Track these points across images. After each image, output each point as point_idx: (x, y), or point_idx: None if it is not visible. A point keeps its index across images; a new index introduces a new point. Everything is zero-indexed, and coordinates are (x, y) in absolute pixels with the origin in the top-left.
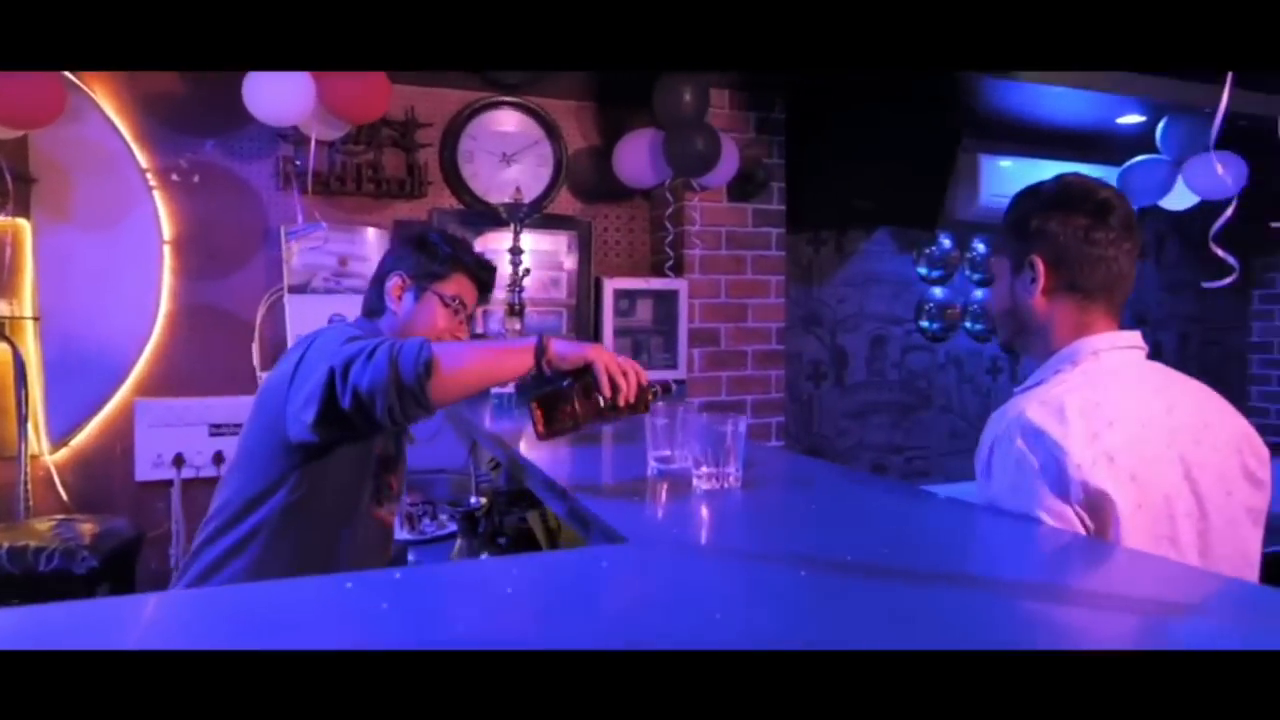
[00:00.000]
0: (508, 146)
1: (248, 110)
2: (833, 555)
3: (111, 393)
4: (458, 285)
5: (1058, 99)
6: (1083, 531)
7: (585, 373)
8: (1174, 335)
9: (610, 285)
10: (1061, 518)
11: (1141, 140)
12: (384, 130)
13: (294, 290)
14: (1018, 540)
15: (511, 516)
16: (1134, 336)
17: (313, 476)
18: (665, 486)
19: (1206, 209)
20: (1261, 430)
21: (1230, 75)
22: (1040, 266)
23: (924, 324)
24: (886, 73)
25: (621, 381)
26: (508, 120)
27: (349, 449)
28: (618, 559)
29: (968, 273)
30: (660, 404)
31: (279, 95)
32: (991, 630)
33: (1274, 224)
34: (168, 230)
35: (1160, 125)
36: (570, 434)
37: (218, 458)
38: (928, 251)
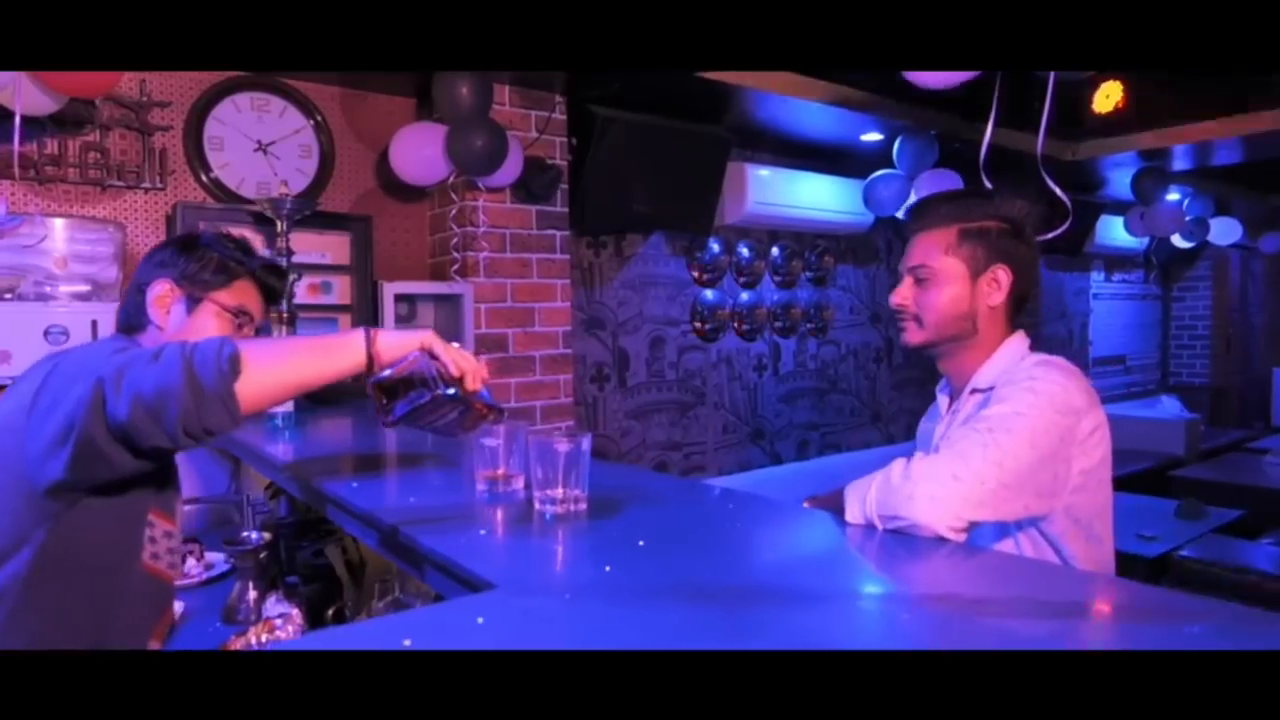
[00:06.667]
0: (264, 134)
1: None
2: (726, 581)
3: None
4: (241, 293)
5: (812, 115)
6: None
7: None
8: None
9: (390, 289)
10: None
11: (881, 156)
12: (108, 108)
13: None
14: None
15: (304, 551)
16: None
17: (68, 531)
18: (504, 514)
19: None
20: None
21: (994, 108)
22: (1009, 279)
23: (697, 325)
24: (660, 78)
25: (465, 364)
26: (262, 104)
27: (118, 486)
28: (502, 612)
29: (734, 276)
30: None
31: None
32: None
33: (1043, 237)
34: None
35: (896, 143)
36: (416, 425)
37: None
38: (699, 255)
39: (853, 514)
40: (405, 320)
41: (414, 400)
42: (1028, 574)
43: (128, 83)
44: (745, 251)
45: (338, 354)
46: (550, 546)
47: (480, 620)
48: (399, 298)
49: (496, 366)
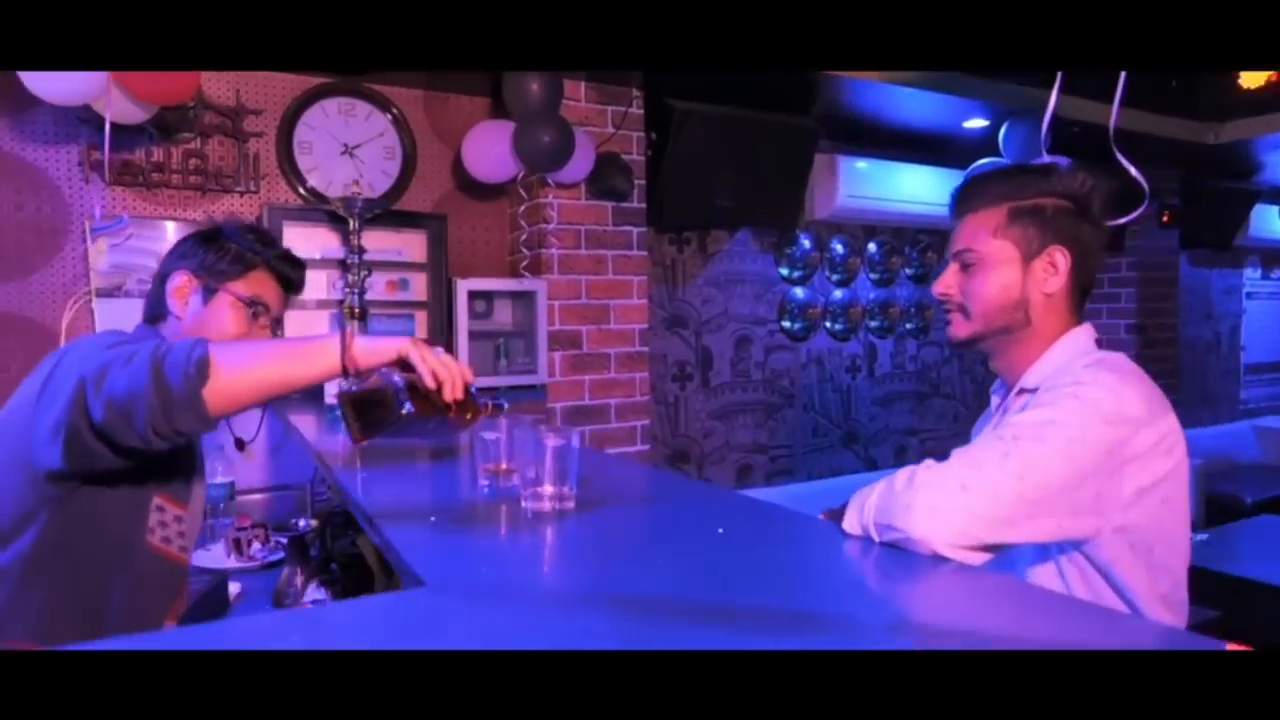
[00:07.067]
0: (350, 137)
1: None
2: (663, 592)
3: None
4: (257, 284)
5: (910, 101)
6: None
7: (403, 369)
8: None
9: (463, 286)
10: None
11: (986, 144)
12: (207, 116)
13: (103, 294)
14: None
15: (344, 540)
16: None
17: (71, 513)
18: (491, 511)
19: None
20: None
21: (1059, 79)
22: (1068, 262)
23: (786, 324)
24: (744, 71)
25: (444, 373)
26: (349, 109)
27: (119, 474)
28: (407, 612)
29: (827, 273)
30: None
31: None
32: None
33: (1114, 222)
34: None
35: (1003, 129)
36: (392, 437)
37: None
38: (788, 252)
39: (849, 522)
40: (482, 317)
41: (379, 420)
42: (1032, 606)
43: (224, 91)
44: (839, 248)
45: (311, 359)
46: (507, 546)
47: (387, 619)
48: (473, 294)
49: (570, 363)
